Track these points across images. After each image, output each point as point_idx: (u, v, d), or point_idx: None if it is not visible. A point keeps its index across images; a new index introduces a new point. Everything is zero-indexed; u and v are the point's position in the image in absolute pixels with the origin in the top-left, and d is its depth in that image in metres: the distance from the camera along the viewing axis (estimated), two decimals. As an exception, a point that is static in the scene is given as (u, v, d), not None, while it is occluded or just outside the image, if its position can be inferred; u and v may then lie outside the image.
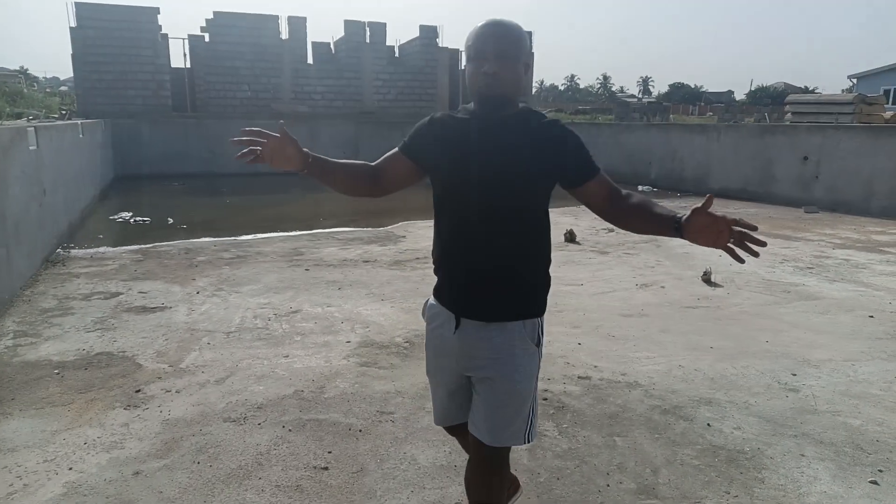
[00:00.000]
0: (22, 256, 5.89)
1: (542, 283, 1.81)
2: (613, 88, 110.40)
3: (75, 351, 4.15)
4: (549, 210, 1.78)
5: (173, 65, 20.10)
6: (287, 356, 4.04)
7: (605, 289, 5.61)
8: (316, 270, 6.46)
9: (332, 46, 21.55)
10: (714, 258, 6.37)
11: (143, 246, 7.90)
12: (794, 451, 2.87)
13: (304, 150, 1.80)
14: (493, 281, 1.73)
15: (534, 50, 24.06)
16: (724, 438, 2.98)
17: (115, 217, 10.87)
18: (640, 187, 14.79)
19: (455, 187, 1.76)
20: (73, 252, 7.48)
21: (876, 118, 12.68)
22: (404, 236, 8.50)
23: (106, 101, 18.54)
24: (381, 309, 5.07)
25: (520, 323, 1.75)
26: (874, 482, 2.63)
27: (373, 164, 1.93)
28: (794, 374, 3.67)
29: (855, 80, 29.53)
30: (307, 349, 4.17)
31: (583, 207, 1.69)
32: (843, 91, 37.45)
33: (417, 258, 7.01)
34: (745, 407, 3.30)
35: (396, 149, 1.90)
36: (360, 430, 3.06)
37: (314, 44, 21.19)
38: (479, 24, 1.70)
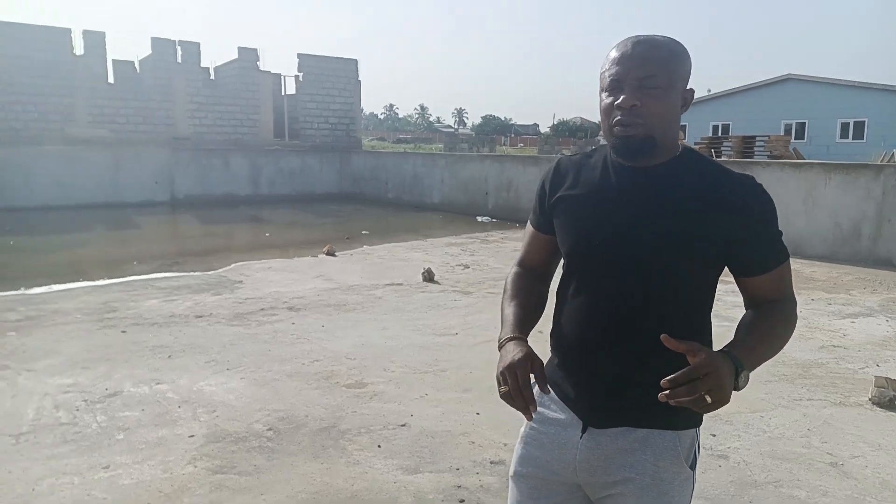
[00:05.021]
0: None
1: None
2: (431, 118, 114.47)
3: None
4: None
5: (-67, 80, 16.80)
6: (107, 467, 3.06)
7: (483, 337, 5.19)
8: (136, 332, 5.33)
9: (136, 66, 19.46)
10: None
11: None
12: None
13: (522, 348, 1.35)
14: (633, 378, 1.33)
15: (359, 79, 23.84)
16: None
17: None
18: (478, 218, 14.90)
19: (582, 258, 1.39)
20: None
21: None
22: (241, 281, 7.50)
23: None
24: (228, 383, 4.18)
25: (672, 434, 1.33)
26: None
27: (523, 265, 1.57)
28: (714, 435, 3.44)
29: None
30: (135, 453, 3.21)
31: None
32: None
33: (262, 309, 6.12)
34: (682, 483, 2.96)
35: (528, 224, 1.55)
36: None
37: (116, 62, 18.96)
38: (618, 43, 1.31)
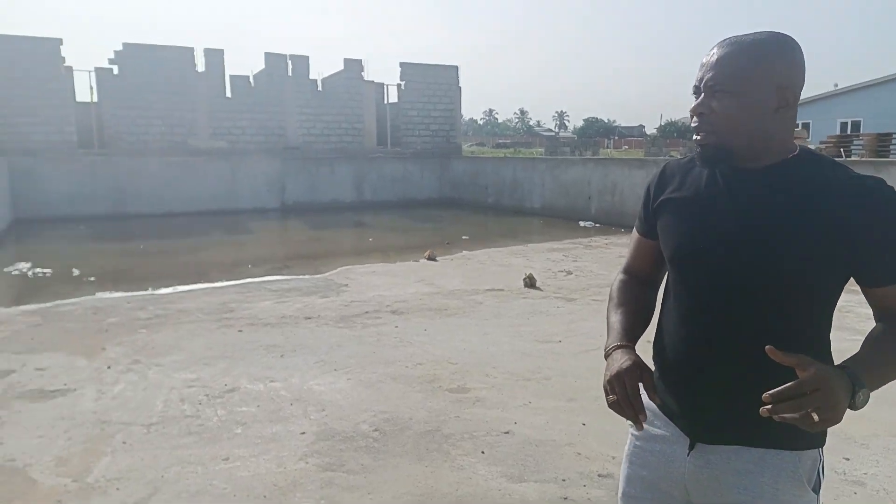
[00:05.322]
0: None
1: None
2: (531, 122, 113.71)
3: (-54, 462, 3.21)
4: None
5: (78, 99, 18.64)
6: (227, 459, 3.24)
7: (587, 345, 5.07)
8: (251, 332, 5.63)
9: (251, 80, 20.66)
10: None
11: (41, 305, 6.82)
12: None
13: (630, 356, 1.31)
14: (739, 394, 1.22)
15: (460, 85, 24.05)
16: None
17: (11, 269, 9.56)
18: (581, 223, 14.65)
19: (684, 263, 1.31)
20: (-45, 316, 6.32)
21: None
22: (346, 285, 7.75)
23: (2, 137, 16.86)
24: (335, 383, 4.32)
25: (790, 454, 1.23)
26: None
27: (629, 272, 1.52)
28: (848, 459, 3.17)
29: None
30: (251, 447, 3.38)
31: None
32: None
33: (367, 312, 6.29)
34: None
35: (634, 230, 1.51)
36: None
37: (233, 77, 20.25)
38: None
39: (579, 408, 3.73)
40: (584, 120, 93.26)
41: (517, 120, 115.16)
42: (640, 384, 1.25)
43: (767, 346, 1.05)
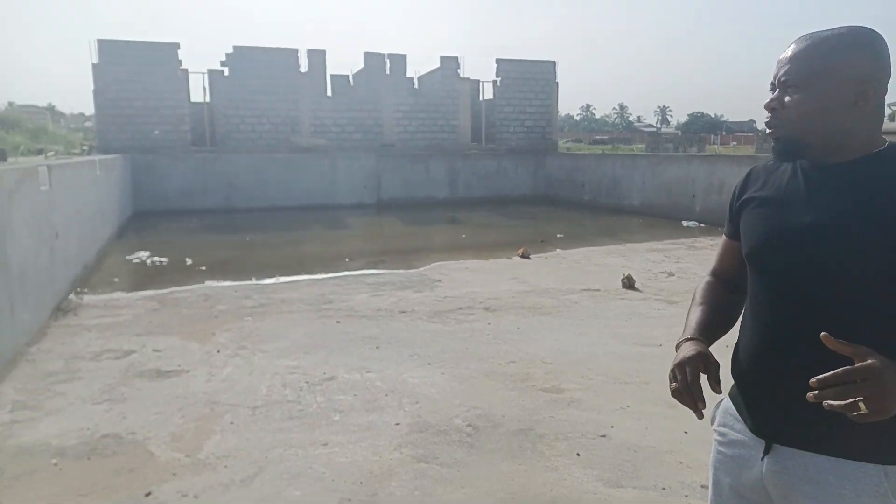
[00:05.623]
0: (27, 309, 5.32)
1: None
2: (630, 118, 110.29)
3: (78, 431, 3.53)
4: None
5: (193, 99, 19.90)
6: (326, 444, 3.35)
7: (688, 351, 4.87)
8: (348, 323, 5.80)
9: (350, 79, 21.28)
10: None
11: (159, 291, 7.34)
12: None
13: (697, 347, 1.34)
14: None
15: (557, 80, 23.68)
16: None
17: (132, 257, 10.35)
18: (684, 222, 14.05)
19: (760, 262, 1.29)
20: (86, 299, 6.93)
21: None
22: (440, 280, 7.83)
23: (126, 136, 18.31)
24: (429, 377, 4.37)
25: (874, 468, 1.16)
26: None
27: (714, 274, 1.53)
28: None
29: (894, 108, 28.51)
30: (349, 434, 3.47)
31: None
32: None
33: (460, 308, 6.32)
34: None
35: (724, 235, 1.51)
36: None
37: (333, 76, 20.94)
38: None
39: (681, 415, 3.57)
40: (688, 115, 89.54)
41: (616, 115, 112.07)
42: (705, 375, 1.26)
43: (823, 334, 1.03)
